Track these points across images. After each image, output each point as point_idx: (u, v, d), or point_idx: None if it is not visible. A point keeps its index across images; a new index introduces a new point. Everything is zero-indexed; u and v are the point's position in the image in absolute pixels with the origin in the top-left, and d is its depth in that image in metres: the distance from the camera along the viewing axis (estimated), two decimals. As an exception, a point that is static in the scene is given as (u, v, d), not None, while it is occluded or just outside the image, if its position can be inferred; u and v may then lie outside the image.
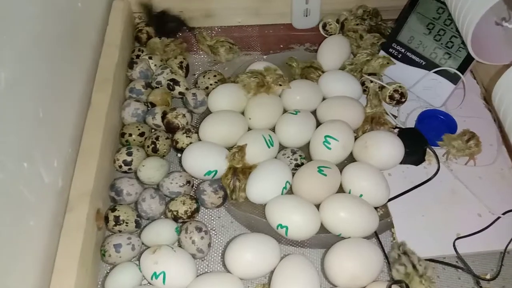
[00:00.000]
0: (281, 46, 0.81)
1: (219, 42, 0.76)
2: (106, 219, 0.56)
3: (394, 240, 0.58)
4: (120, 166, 0.61)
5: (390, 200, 0.60)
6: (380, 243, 0.57)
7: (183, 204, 0.56)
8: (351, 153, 0.63)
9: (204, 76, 0.70)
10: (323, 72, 0.71)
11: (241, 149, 0.58)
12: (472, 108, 0.71)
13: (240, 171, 0.59)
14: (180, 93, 0.69)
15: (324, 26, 0.80)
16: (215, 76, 0.70)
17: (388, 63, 0.70)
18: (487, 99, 0.73)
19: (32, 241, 0.47)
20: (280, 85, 0.67)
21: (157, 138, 0.62)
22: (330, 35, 0.79)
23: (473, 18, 0.51)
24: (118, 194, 0.57)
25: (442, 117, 0.69)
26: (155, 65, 0.72)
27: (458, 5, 0.55)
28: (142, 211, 0.57)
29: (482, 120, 0.70)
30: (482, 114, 0.71)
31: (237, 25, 0.83)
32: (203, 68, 0.77)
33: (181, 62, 0.73)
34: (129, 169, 0.61)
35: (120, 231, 0.56)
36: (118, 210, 0.56)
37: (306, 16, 0.80)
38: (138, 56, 0.74)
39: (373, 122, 0.65)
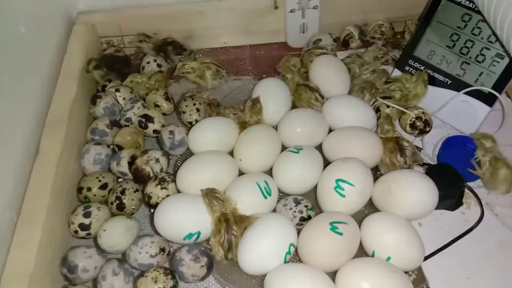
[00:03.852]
0: (276, 68, 0.69)
1: (204, 64, 0.64)
2: (55, 306, 0.42)
3: (434, 315, 0.44)
4: (76, 231, 0.47)
5: (424, 259, 0.46)
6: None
7: (155, 282, 0.43)
8: (370, 200, 0.50)
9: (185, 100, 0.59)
10: (320, 95, 0.59)
11: (212, 192, 0.46)
12: (511, 134, 0.58)
13: (235, 221, 0.45)
14: (154, 131, 0.56)
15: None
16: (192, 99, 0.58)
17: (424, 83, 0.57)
18: (528, 121, 0.60)
19: None
20: (259, 109, 0.55)
21: (123, 192, 0.49)
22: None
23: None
24: (71, 270, 0.44)
25: (470, 145, 0.56)
26: (124, 98, 0.60)
27: (503, 5, 0.43)
28: (103, 293, 0.43)
29: (525, 148, 0.57)
30: (524, 140, 0.58)
31: (223, 47, 0.71)
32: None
33: (166, 93, 0.60)
34: (88, 234, 0.47)
35: (73, 323, 0.42)
36: (70, 295, 0.42)
37: (303, 32, 0.69)
38: (104, 88, 0.61)
39: (399, 144, 0.52)
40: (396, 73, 0.62)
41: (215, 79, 0.64)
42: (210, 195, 0.46)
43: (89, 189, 0.50)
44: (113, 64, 0.62)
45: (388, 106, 0.57)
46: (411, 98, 0.57)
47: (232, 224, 0.45)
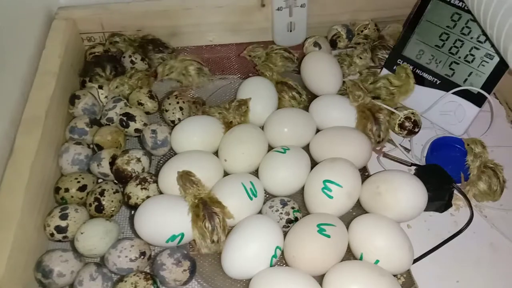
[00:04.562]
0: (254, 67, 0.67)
1: (187, 61, 0.62)
2: (27, 314, 0.40)
3: (423, 319, 0.43)
4: (52, 234, 0.45)
5: (414, 262, 0.45)
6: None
7: (135, 287, 0.41)
8: (358, 201, 0.49)
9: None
10: (299, 93, 0.58)
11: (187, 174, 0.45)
12: (499, 135, 0.58)
13: (212, 202, 0.44)
14: (136, 130, 0.54)
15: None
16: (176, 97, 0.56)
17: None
18: (518, 123, 0.60)
19: None
20: (245, 111, 0.54)
21: (102, 193, 0.47)
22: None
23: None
24: (46, 275, 0.42)
25: (459, 146, 0.55)
26: (106, 96, 0.58)
27: (493, 3, 0.42)
28: (79, 298, 0.41)
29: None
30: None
31: (209, 45, 0.70)
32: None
33: (150, 91, 0.58)
34: (64, 237, 0.45)
35: (47, 330, 0.40)
36: (44, 301, 0.40)
37: (290, 31, 0.67)
38: (84, 83, 0.59)
39: (374, 115, 0.53)
40: (385, 73, 0.61)
41: (199, 77, 0.62)
42: (184, 177, 0.45)
43: (66, 190, 0.48)
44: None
45: (376, 106, 0.56)
46: (398, 94, 0.56)
47: (210, 204, 0.44)
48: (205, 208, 0.44)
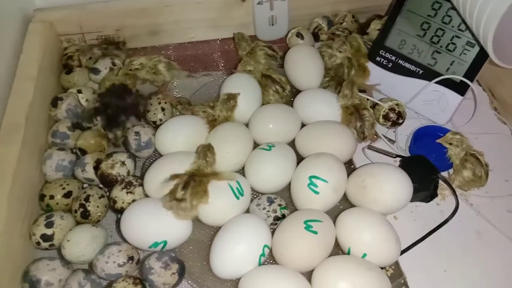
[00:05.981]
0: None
1: (155, 59, 0.60)
2: (16, 325, 0.40)
3: (413, 310, 0.44)
4: (38, 243, 0.44)
5: (401, 253, 0.46)
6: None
7: (124, 292, 0.41)
8: (345, 194, 0.49)
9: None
10: (282, 87, 0.57)
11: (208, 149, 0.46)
12: (483, 122, 0.58)
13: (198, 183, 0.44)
14: (120, 132, 0.54)
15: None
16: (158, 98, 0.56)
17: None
18: (499, 109, 0.60)
19: None
20: (232, 106, 0.53)
21: (87, 199, 0.47)
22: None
23: (496, 9, 0.38)
24: (33, 285, 0.41)
25: (441, 135, 0.55)
26: (87, 100, 0.57)
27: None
28: (68, 307, 0.41)
29: (497, 136, 0.57)
30: (496, 128, 0.58)
31: (191, 41, 0.69)
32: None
33: None
34: (51, 245, 0.45)
35: None
36: (32, 312, 0.40)
37: (272, 25, 0.67)
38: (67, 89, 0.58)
39: (359, 112, 0.53)
40: (369, 64, 0.60)
41: (169, 71, 0.60)
42: (204, 149, 0.46)
43: (51, 197, 0.47)
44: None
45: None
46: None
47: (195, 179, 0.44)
48: (187, 183, 0.44)
